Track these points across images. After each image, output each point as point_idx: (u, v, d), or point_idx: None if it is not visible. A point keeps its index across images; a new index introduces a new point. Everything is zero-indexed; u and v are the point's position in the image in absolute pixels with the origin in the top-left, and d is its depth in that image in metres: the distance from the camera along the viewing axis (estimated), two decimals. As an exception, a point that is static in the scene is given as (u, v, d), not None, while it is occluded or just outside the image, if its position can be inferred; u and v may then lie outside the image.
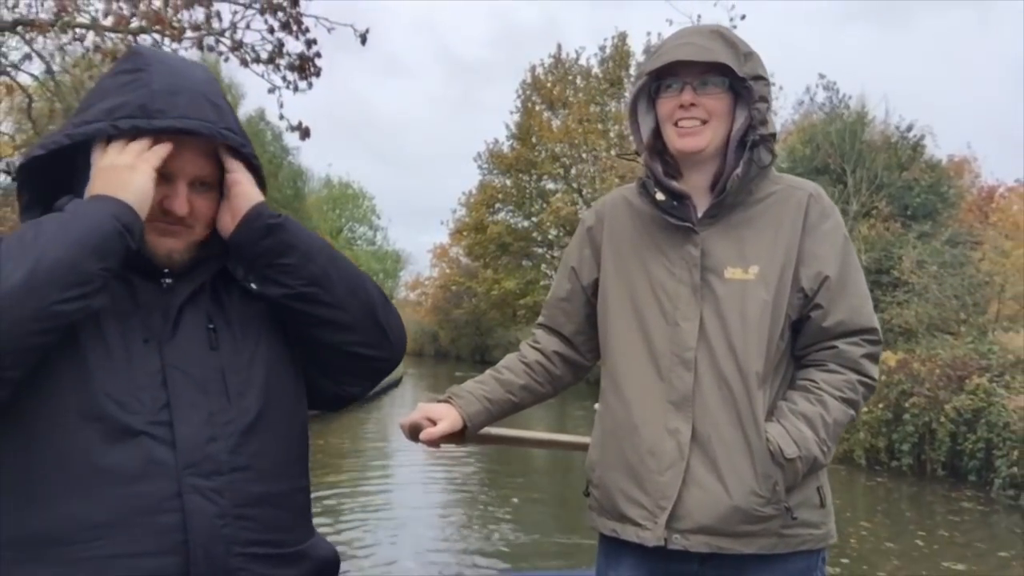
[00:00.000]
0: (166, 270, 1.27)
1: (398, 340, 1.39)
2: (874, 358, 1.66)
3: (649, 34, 28.13)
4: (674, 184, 1.67)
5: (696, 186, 1.69)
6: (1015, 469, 10.28)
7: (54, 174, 1.28)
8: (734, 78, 1.61)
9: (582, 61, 30.28)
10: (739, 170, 1.61)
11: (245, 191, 1.28)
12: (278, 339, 1.33)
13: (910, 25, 69.99)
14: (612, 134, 28.14)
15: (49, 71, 9.56)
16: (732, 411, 1.58)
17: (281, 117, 9.79)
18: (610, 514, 1.68)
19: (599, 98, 29.44)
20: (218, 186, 1.31)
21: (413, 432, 1.74)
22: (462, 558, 7.00)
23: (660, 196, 1.66)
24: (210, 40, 9.09)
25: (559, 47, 30.38)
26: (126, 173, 1.17)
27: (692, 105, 1.61)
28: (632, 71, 28.95)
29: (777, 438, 1.56)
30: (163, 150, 1.20)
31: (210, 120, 1.23)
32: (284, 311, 1.31)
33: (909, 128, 19.78)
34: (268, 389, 1.26)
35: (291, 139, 29.49)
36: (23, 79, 10.10)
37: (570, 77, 30.14)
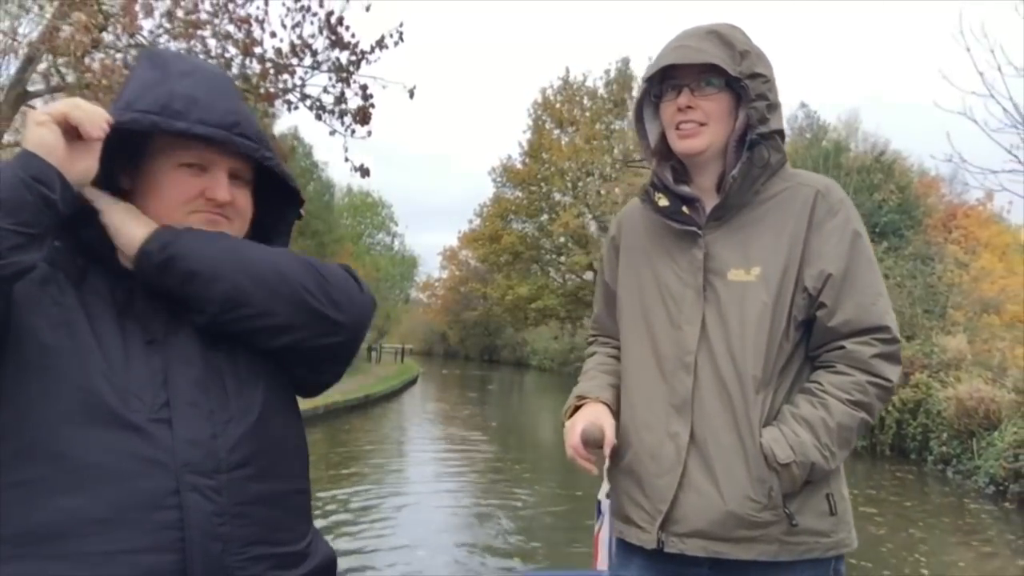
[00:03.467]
0: None
1: (349, 316, 1.28)
2: (889, 358, 1.58)
3: (650, 58, 30.47)
4: (684, 188, 1.67)
5: (704, 189, 1.68)
6: (944, 448, 12.48)
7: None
8: (732, 77, 1.58)
9: (588, 83, 32.54)
10: (735, 170, 1.59)
11: (122, 235, 1.21)
12: None
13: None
14: (616, 151, 30.35)
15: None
16: (729, 415, 1.55)
17: (346, 160, 11.93)
18: (618, 515, 1.69)
19: (604, 117, 31.65)
20: (252, 183, 1.31)
21: (596, 443, 1.64)
22: (473, 550, 7.21)
23: (663, 202, 1.67)
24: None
25: (567, 70, 32.61)
26: (33, 128, 1.10)
27: (689, 108, 1.61)
28: (635, 93, 31.17)
29: (771, 443, 1.52)
30: (67, 107, 1.12)
31: (226, 125, 1.22)
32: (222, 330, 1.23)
33: (882, 153, 22.06)
34: (267, 389, 1.25)
35: (320, 154, 31.40)
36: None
37: (577, 98, 32.36)
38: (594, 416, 1.66)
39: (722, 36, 1.61)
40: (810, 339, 1.62)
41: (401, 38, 11.03)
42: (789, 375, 1.60)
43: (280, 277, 1.23)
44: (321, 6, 10.55)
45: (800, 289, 1.58)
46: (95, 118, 1.13)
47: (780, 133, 1.64)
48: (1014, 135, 8.51)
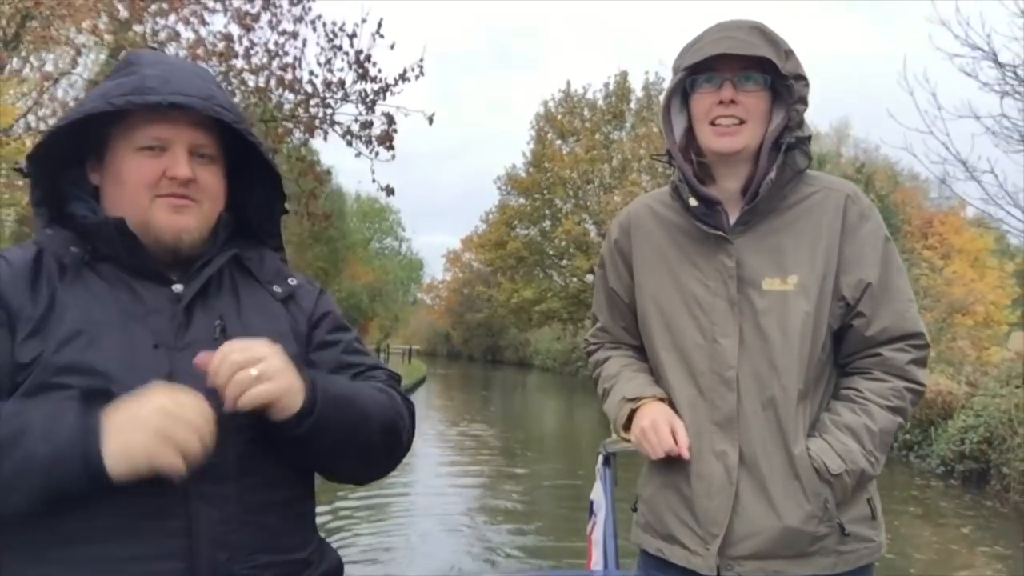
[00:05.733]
0: (174, 278, 1.23)
1: (402, 455, 1.31)
2: (921, 363, 1.58)
3: (647, 72, 31.92)
4: (704, 189, 1.59)
5: (727, 191, 1.60)
6: (907, 436, 13.88)
7: (63, 168, 1.26)
8: (775, 76, 1.52)
9: (588, 95, 33.94)
10: (772, 174, 1.52)
11: (284, 407, 1.12)
12: (291, 335, 1.28)
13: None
14: (615, 161, 31.81)
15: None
16: (777, 431, 1.51)
17: (373, 180, 13.28)
18: (658, 533, 1.63)
19: (604, 128, 33.08)
20: (221, 160, 1.28)
21: (680, 447, 1.56)
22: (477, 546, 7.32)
23: (693, 202, 1.58)
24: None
25: (568, 83, 34.07)
26: (136, 434, 1.03)
27: (732, 102, 1.53)
28: (632, 105, 32.69)
29: (821, 454, 1.50)
30: (166, 455, 1.04)
31: (202, 96, 1.21)
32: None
33: (863, 164, 23.54)
34: None
35: (329, 163, 32.52)
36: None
37: (577, 110, 33.77)
38: (667, 415, 1.59)
39: (766, 33, 1.55)
40: (841, 346, 1.60)
41: (422, 72, 12.39)
42: (822, 384, 1.58)
43: (377, 431, 1.23)
44: (352, 46, 12.01)
45: (837, 298, 1.55)
46: (189, 451, 1.05)
47: (809, 138, 1.59)
48: (954, 167, 9.96)
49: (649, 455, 1.60)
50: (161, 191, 1.22)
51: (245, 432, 1.16)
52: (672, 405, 1.62)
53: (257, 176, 1.34)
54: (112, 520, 1.09)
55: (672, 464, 1.58)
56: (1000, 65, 9.07)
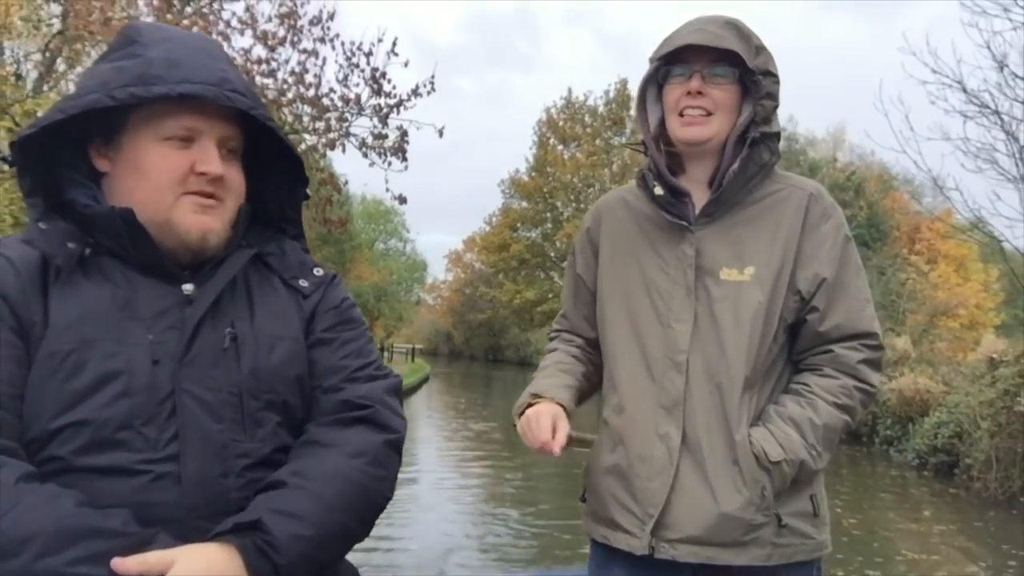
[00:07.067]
0: (185, 275, 1.14)
1: (378, 515, 1.16)
2: (873, 364, 1.60)
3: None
4: (673, 180, 1.63)
5: (695, 182, 1.65)
6: (888, 432, 14.80)
7: (56, 155, 1.16)
8: (744, 70, 1.56)
9: (590, 102, 34.80)
10: (735, 166, 1.56)
11: None
12: (304, 340, 1.20)
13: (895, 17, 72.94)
14: (615, 166, 32.70)
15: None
16: (720, 416, 1.53)
17: (387, 190, 14.06)
18: (602, 520, 1.64)
19: (604, 133, 33.96)
20: (243, 157, 1.20)
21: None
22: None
23: (659, 191, 1.62)
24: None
25: (569, 91, 34.90)
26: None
27: (699, 93, 1.57)
28: (632, 112, 33.50)
29: (761, 441, 1.51)
30: None
31: (213, 82, 1.10)
32: None
33: (853, 172, 24.41)
34: (287, 409, 1.15)
35: (343, 171, 33.22)
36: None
37: (579, 116, 34.66)
38: (552, 412, 1.59)
39: (739, 29, 1.59)
40: (795, 342, 1.62)
41: (433, 88, 13.21)
42: (772, 377, 1.60)
43: (356, 536, 1.13)
44: (368, 63, 12.85)
45: (792, 291, 1.58)
46: None
47: (778, 135, 1.63)
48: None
49: (528, 445, 1.62)
50: (189, 188, 1.13)
51: (250, 458, 1.10)
52: (564, 406, 1.64)
53: (273, 161, 1.26)
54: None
55: (617, 449, 1.62)
56: (966, 92, 9.94)
